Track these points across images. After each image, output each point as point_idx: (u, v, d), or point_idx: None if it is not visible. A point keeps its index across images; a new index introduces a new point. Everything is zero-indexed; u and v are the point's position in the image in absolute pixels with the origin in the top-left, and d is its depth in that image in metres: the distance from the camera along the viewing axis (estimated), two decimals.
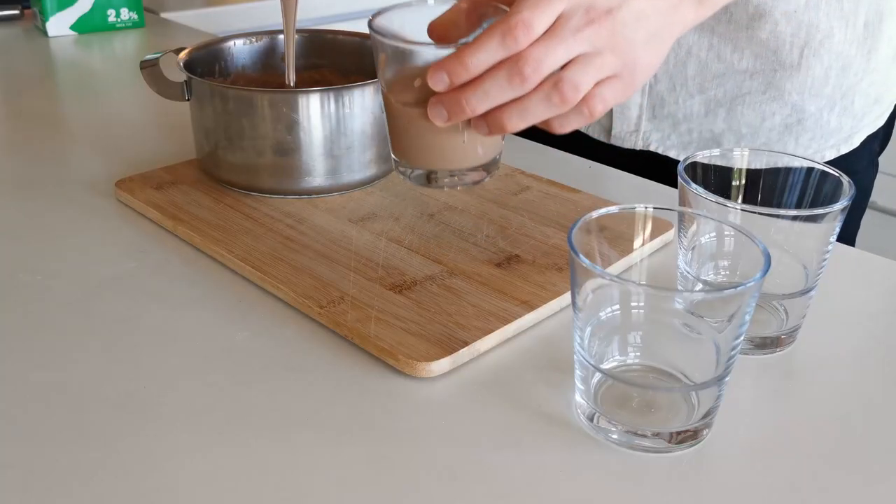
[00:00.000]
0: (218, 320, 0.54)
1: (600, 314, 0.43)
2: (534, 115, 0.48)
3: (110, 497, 0.40)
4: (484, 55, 0.46)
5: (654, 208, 0.47)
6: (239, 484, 0.41)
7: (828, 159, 0.75)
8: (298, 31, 0.77)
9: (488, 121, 0.49)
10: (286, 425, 0.45)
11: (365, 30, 0.56)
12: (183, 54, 0.70)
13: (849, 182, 0.49)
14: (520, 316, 0.52)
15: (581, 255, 0.41)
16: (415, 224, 0.64)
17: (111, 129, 0.86)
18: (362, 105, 0.66)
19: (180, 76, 0.68)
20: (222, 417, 0.46)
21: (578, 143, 0.84)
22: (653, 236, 0.61)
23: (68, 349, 0.51)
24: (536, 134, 0.94)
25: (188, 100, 0.69)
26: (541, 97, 0.48)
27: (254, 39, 0.77)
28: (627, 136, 0.79)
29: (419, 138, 0.53)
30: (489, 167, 0.55)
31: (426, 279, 0.56)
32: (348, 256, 0.59)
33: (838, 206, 0.47)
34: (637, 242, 0.49)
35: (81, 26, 1.23)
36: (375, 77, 0.57)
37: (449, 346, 0.49)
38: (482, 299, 0.54)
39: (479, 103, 0.48)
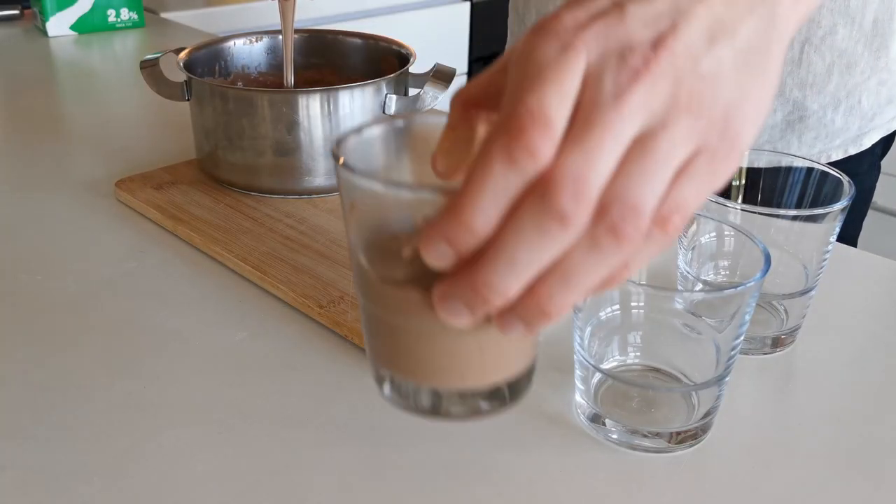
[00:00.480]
0: (218, 320, 0.54)
1: (600, 314, 0.43)
2: (585, 277, 0.28)
3: (110, 497, 0.40)
4: (489, 198, 0.27)
5: None
6: (239, 484, 0.41)
7: (833, 160, 0.74)
8: (298, 31, 0.77)
9: (521, 311, 0.29)
10: (286, 425, 0.45)
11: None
12: (183, 54, 0.70)
13: (849, 182, 0.49)
14: None
15: None
16: None
17: (111, 129, 0.86)
18: (362, 105, 0.66)
19: (180, 76, 0.68)
20: (222, 417, 0.46)
21: None
22: None
23: (68, 349, 0.51)
24: None
25: (188, 100, 0.69)
26: (587, 248, 0.28)
27: (254, 39, 0.77)
28: None
29: (416, 339, 0.33)
30: (520, 385, 0.35)
31: None
32: (348, 256, 0.59)
33: (838, 206, 0.47)
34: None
35: (81, 26, 1.23)
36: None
37: None
38: None
39: (505, 281, 0.28)
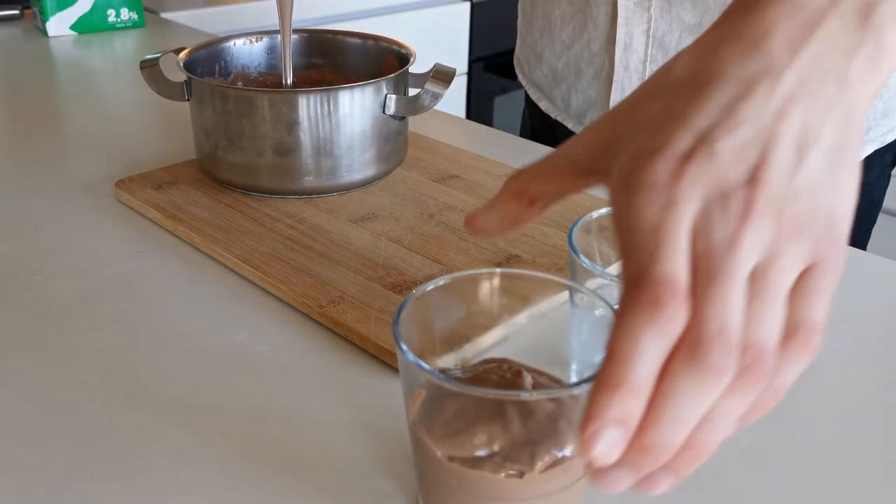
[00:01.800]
0: (218, 320, 0.54)
1: (595, 313, 0.43)
2: (731, 416, 0.30)
3: (110, 497, 0.40)
4: (644, 370, 0.28)
5: None
6: (239, 484, 0.41)
7: None
8: (298, 30, 0.77)
9: (676, 463, 0.29)
10: (286, 425, 0.45)
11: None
12: (183, 54, 0.70)
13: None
14: (521, 312, 0.52)
15: (581, 255, 0.41)
16: (415, 224, 0.64)
17: (111, 129, 0.86)
18: (362, 105, 0.66)
19: (180, 76, 0.68)
20: (222, 417, 0.46)
21: None
22: None
23: (68, 349, 0.51)
24: (536, 134, 0.94)
25: (188, 100, 0.69)
26: (728, 392, 0.29)
27: (254, 39, 0.77)
28: None
29: None
30: None
31: (426, 279, 0.56)
32: (348, 256, 0.59)
33: None
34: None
35: (81, 26, 1.23)
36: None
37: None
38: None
39: (675, 437, 0.29)
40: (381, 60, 0.75)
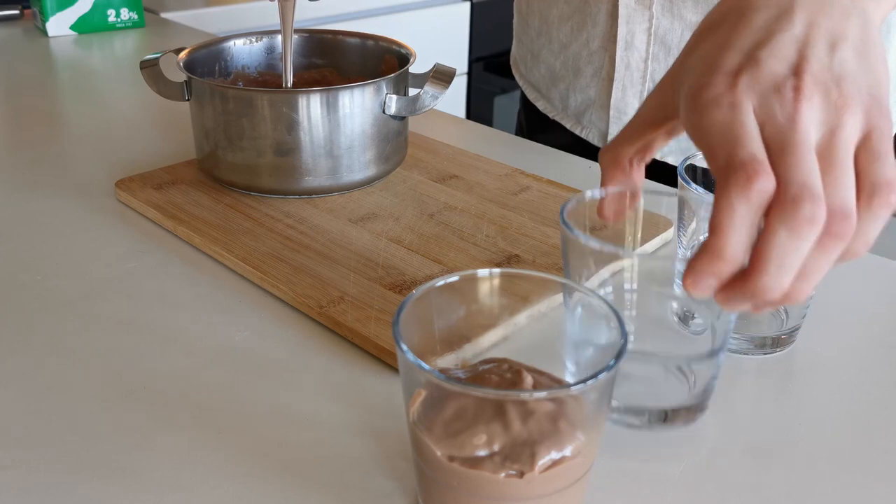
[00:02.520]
0: (218, 320, 0.54)
1: (589, 311, 0.43)
2: (820, 269, 0.35)
3: (110, 497, 0.40)
4: (739, 232, 0.34)
5: (649, 191, 0.47)
6: (239, 484, 0.41)
7: None
8: (299, 30, 0.77)
9: (784, 299, 0.35)
10: (285, 425, 0.45)
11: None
12: (183, 54, 0.70)
13: None
14: (520, 313, 0.52)
15: (575, 230, 0.41)
16: (415, 224, 0.64)
17: (111, 129, 0.86)
18: (362, 105, 0.66)
19: (180, 76, 0.68)
20: (222, 417, 0.46)
21: (576, 148, 0.84)
22: (652, 235, 0.61)
23: (68, 349, 0.51)
24: (532, 134, 0.94)
25: (188, 100, 0.69)
26: (818, 251, 0.34)
27: (254, 39, 0.77)
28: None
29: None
30: None
31: (426, 279, 0.56)
32: (348, 256, 0.59)
33: None
34: (636, 241, 0.49)
35: (81, 26, 1.23)
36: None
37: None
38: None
39: (781, 282, 0.34)
40: (381, 60, 0.76)
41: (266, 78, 0.77)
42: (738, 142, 0.34)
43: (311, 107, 0.65)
